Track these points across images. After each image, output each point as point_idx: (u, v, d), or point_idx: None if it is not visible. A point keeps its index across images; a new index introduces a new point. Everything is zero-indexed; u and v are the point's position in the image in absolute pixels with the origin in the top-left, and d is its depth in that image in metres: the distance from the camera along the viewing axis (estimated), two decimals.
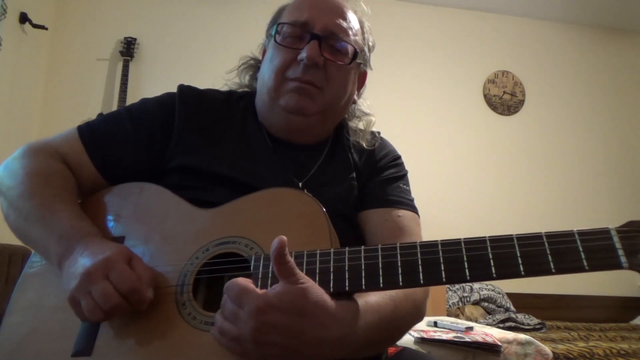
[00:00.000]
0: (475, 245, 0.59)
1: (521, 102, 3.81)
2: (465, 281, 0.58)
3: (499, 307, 3.02)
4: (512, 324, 2.73)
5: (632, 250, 0.54)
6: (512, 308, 3.06)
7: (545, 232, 0.57)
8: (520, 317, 2.85)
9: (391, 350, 0.88)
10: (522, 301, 3.24)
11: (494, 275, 0.57)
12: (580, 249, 0.55)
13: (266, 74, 0.91)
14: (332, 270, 0.62)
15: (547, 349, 1.78)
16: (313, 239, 0.68)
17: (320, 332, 0.57)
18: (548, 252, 0.56)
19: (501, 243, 0.58)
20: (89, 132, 0.89)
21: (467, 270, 0.58)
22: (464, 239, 0.60)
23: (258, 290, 0.57)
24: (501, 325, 2.69)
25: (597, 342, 2.36)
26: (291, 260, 0.57)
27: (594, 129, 3.85)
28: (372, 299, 0.67)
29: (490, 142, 3.71)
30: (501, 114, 3.78)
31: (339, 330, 0.59)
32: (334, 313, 0.59)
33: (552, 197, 3.66)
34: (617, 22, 3.94)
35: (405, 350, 0.90)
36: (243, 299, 0.57)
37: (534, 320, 2.83)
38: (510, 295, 3.17)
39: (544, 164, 3.73)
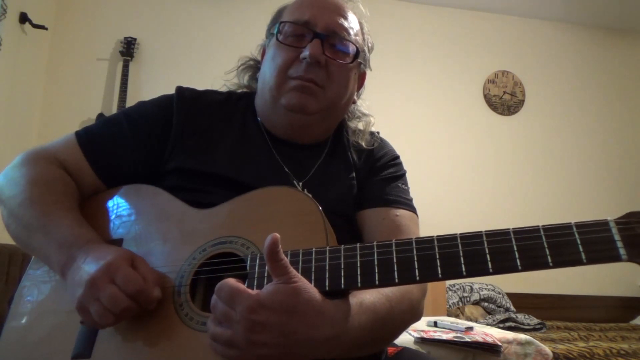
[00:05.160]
0: (471, 240, 0.58)
1: (521, 102, 3.81)
2: (462, 276, 0.58)
3: (499, 307, 3.02)
4: (512, 324, 2.73)
5: (632, 242, 0.53)
6: (512, 308, 3.06)
7: (543, 225, 0.56)
8: (520, 317, 2.85)
9: (391, 350, 0.88)
10: (522, 301, 3.24)
11: (491, 270, 0.56)
12: (578, 242, 0.54)
13: (268, 72, 0.91)
14: (327, 268, 0.62)
15: (547, 349, 1.78)
16: (309, 237, 0.68)
17: (311, 332, 0.57)
18: (545, 245, 0.55)
19: (497, 237, 0.57)
20: (87, 138, 0.89)
21: (463, 266, 0.57)
22: (460, 234, 0.59)
23: (249, 290, 0.57)
24: (501, 325, 2.69)
25: (597, 342, 2.36)
26: (284, 258, 0.57)
27: (594, 129, 3.85)
28: (367, 299, 0.66)
29: (490, 142, 3.71)
30: (501, 114, 3.78)
31: (331, 330, 0.59)
32: (326, 312, 0.59)
33: (552, 197, 3.66)
34: (617, 22, 3.93)
35: (405, 350, 0.90)
36: (235, 300, 0.57)
37: (534, 320, 2.83)
38: (510, 295, 3.17)
39: (544, 163, 3.73)
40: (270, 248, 0.56)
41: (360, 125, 1.01)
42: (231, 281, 0.58)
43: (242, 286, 0.58)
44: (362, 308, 0.65)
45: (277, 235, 0.57)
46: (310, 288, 0.59)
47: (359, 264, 0.61)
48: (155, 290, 0.68)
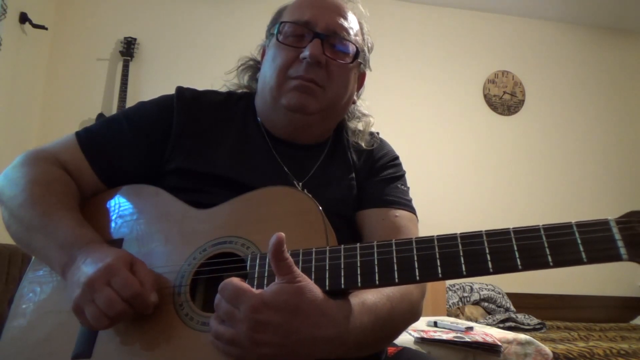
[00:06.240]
0: (471, 239, 0.58)
1: (521, 102, 3.81)
2: (462, 276, 0.57)
3: (499, 307, 3.02)
4: (512, 324, 2.73)
5: (632, 241, 0.52)
6: (512, 308, 3.06)
7: (543, 225, 0.56)
8: (520, 317, 2.86)
9: (391, 350, 0.88)
10: (522, 301, 3.24)
11: (491, 269, 0.56)
12: (579, 241, 0.54)
13: (268, 72, 0.91)
14: (327, 268, 0.62)
15: (547, 349, 1.77)
16: (309, 237, 0.68)
17: (314, 331, 0.57)
18: (546, 244, 0.55)
19: (498, 237, 0.57)
20: (87, 138, 0.89)
21: (463, 265, 0.57)
22: (460, 233, 0.59)
23: (253, 289, 0.57)
24: (501, 325, 2.69)
25: (597, 342, 2.36)
26: (289, 257, 0.57)
27: (594, 129, 3.86)
28: (369, 300, 0.67)
29: (490, 142, 3.71)
30: (501, 114, 3.79)
31: (333, 330, 0.59)
32: (329, 312, 0.59)
33: (552, 197, 3.66)
34: (617, 22, 3.94)
35: (405, 350, 0.90)
36: (238, 299, 0.57)
37: (534, 320, 2.83)
38: (510, 295, 3.17)
39: (544, 163, 3.73)
40: (275, 247, 0.56)
41: (360, 126, 1.01)
42: (235, 280, 0.58)
43: (246, 285, 0.58)
44: (363, 308, 0.65)
45: (283, 234, 0.57)
46: (313, 288, 0.59)
47: (359, 264, 0.61)
48: (152, 295, 0.67)
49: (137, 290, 0.65)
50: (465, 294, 3.03)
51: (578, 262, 0.54)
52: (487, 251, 0.57)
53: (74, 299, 0.66)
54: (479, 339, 1.65)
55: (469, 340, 1.64)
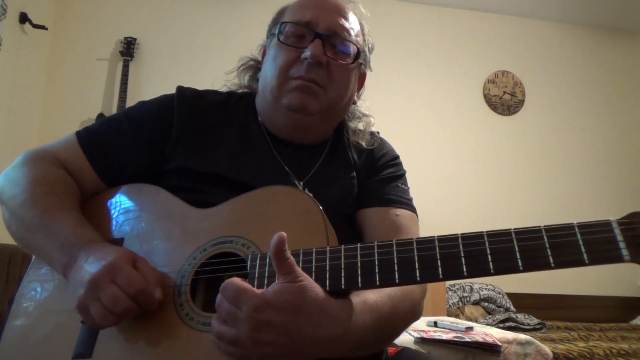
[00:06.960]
0: (472, 240, 0.58)
1: (521, 102, 3.81)
2: (463, 277, 0.57)
3: (499, 307, 3.02)
4: (512, 324, 2.73)
5: (634, 242, 0.52)
6: (512, 308, 3.06)
7: (545, 226, 0.56)
8: (520, 317, 2.85)
9: (391, 350, 0.88)
10: (522, 301, 3.24)
11: (492, 270, 0.56)
12: (580, 242, 0.54)
13: (269, 73, 0.91)
14: (328, 268, 0.62)
15: (547, 349, 1.77)
16: (309, 237, 0.68)
17: (317, 331, 0.57)
18: (547, 245, 0.55)
19: (499, 238, 0.57)
20: (88, 138, 0.89)
21: (464, 266, 0.57)
22: (461, 234, 0.59)
23: (255, 289, 0.57)
24: (501, 325, 2.69)
25: (597, 342, 2.36)
26: (290, 257, 0.57)
27: (594, 129, 3.85)
28: (370, 299, 0.67)
29: (490, 142, 3.71)
30: (501, 114, 3.79)
31: (336, 329, 0.59)
32: (331, 312, 0.59)
33: (552, 197, 3.66)
34: (617, 22, 3.94)
35: (405, 350, 0.90)
36: (240, 299, 0.57)
37: (534, 320, 2.83)
38: (510, 295, 3.17)
39: (544, 163, 3.73)
40: (276, 247, 0.56)
41: (361, 125, 1.01)
42: (237, 280, 0.58)
43: (247, 285, 0.58)
44: (365, 307, 0.65)
45: (284, 234, 0.57)
46: (315, 287, 0.59)
47: (359, 264, 0.61)
48: (157, 291, 0.68)
49: (142, 286, 0.66)
50: (465, 294, 3.03)
51: (580, 263, 0.53)
52: (488, 252, 0.57)
53: (79, 297, 0.66)
54: (479, 339, 1.66)
55: (469, 340, 1.64)
